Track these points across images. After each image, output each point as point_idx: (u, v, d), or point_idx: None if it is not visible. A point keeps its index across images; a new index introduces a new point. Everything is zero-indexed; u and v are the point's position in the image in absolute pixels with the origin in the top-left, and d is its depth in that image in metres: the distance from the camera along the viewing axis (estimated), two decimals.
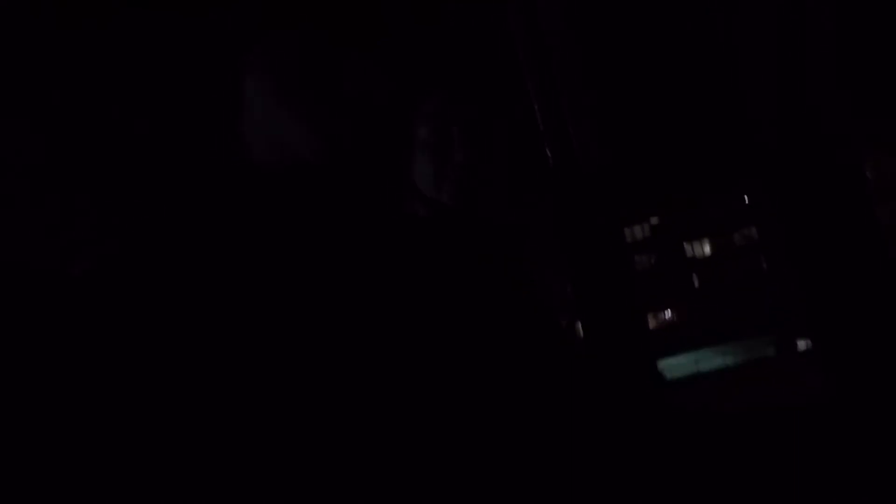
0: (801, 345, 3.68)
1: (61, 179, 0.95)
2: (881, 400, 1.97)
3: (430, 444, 0.88)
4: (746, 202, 3.45)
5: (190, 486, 0.87)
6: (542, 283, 2.45)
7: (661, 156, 2.40)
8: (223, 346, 0.90)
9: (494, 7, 2.32)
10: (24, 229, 0.96)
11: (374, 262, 0.96)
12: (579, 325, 2.53)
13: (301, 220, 0.96)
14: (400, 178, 1.03)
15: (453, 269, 1.00)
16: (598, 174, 2.31)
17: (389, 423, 0.88)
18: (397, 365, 0.91)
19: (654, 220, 3.35)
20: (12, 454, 0.88)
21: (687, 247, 3.46)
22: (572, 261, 2.30)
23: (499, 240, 1.09)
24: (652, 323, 3.45)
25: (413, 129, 1.05)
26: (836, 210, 2.05)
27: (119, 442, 0.88)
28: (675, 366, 3.20)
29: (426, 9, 1.06)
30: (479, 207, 1.14)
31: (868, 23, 2.11)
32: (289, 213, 0.95)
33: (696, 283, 3.50)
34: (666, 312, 3.53)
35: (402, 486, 0.86)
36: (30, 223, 0.96)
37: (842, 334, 2.01)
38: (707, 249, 3.64)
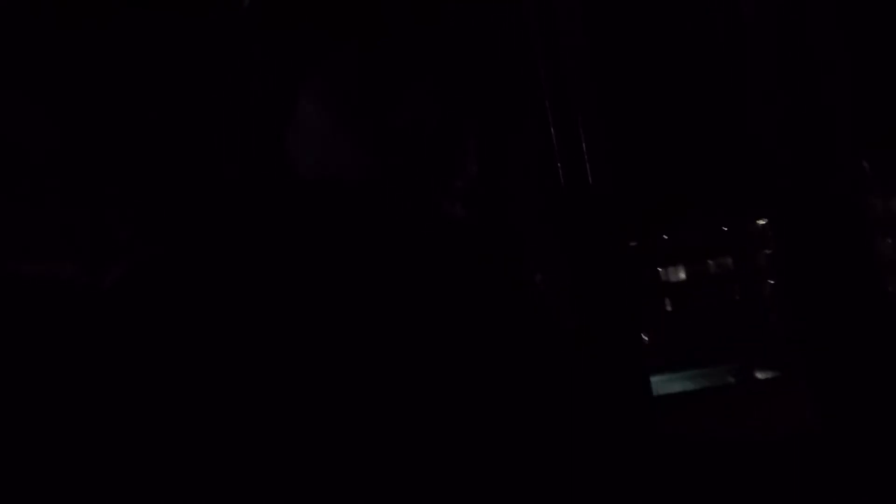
0: (761, 374, 3.79)
1: (86, 184, 0.93)
2: (873, 431, 2.04)
3: (431, 445, 0.89)
4: (725, 230, 3.52)
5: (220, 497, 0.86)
6: (543, 292, 2.49)
7: (674, 177, 2.46)
8: (259, 356, 0.89)
9: (514, 19, 2.35)
10: (47, 238, 0.94)
11: (398, 271, 0.96)
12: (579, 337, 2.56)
13: (340, 232, 0.96)
14: (430, 195, 1.04)
15: (459, 277, 1.01)
16: (610, 193, 2.36)
17: (400, 424, 0.89)
18: (404, 368, 0.91)
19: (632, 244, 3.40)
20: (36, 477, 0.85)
21: (661, 272, 3.52)
22: (577, 275, 2.34)
23: (505, 251, 1.10)
24: None
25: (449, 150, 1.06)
26: (835, 240, 2.11)
27: (153, 462, 0.86)
28: None
29: (430, 11, 1.06)
30: (489, 219, 1.16)
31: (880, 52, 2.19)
32: (328, 224, 0.95)
33: (669, 308, 3.56)
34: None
35: (405, 487, 0.87)
36: (53, 232, 0.94)
37: (835, 365, 2.08)
38: (682, 275, 3.70)
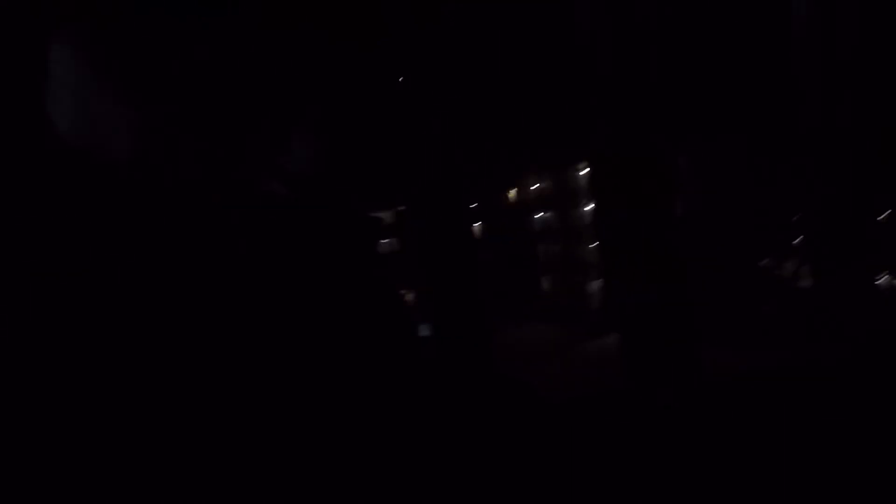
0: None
1: None
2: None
3: (286, 439, 0.83)
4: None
5: None
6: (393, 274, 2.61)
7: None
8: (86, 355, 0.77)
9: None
10: None
11: (224, 246, 0.88)
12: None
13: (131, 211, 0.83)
14: (254, 162, 0.92)
15: (310, 254, 0.95)
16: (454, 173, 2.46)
17: (248, 418, 0.82)
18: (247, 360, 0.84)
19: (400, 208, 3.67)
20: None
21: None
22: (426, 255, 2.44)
23: (360, 230, 1.04)
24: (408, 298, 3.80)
25: (281, 114, 0.93)
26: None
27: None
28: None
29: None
30: (350, 196, 1.16)
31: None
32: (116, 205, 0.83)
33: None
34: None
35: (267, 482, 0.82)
36: None
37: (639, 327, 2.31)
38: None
